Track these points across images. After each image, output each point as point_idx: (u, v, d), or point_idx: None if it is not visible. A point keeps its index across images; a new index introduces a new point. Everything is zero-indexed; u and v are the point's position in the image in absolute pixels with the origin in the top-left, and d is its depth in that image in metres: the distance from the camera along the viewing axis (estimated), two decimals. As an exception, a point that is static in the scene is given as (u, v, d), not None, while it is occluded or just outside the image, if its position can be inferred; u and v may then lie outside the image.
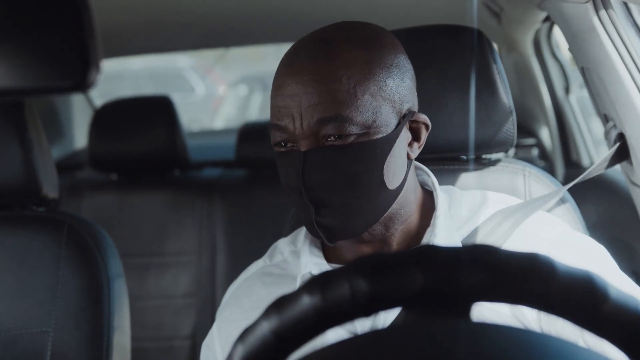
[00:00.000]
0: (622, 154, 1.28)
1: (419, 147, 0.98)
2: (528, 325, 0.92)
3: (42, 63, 0.66)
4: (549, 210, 1.12)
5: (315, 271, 0.99)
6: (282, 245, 1.11)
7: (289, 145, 0.92)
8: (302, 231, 1.07)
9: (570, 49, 1.44)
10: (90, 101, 3.38)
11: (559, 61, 2.45)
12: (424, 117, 0.97)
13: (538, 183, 1.17)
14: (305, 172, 0.90)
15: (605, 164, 1.27)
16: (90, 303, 1.24)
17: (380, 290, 0.49)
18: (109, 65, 4.88)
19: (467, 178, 1.19)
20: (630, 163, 1.28)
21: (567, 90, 2.46)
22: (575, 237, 0.98)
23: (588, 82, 1.42)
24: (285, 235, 1.15)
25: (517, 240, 0.98)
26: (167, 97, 2.49)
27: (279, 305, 0.50)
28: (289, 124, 0.90)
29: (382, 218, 0.95)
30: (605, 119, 1.38)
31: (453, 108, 1.14)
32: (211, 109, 8.83)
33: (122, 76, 7.45)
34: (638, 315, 0.47)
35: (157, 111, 2.45)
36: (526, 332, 0.49)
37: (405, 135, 0.95)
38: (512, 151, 2.22)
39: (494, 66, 1.15)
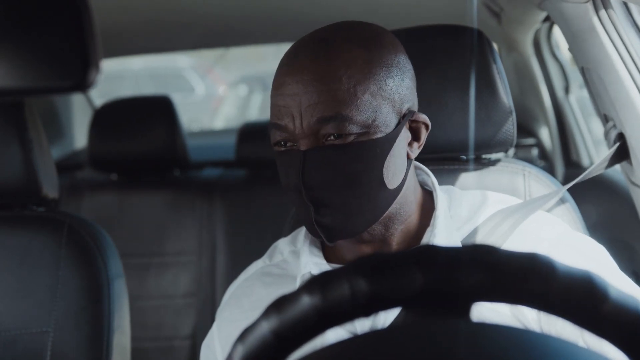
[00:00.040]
0: (622, 154, 1.28)
1: (419, 146, 0.98)
2: (528, 325, 0.92)
3: (42, 63, 0.66)
4: (549, 210, 1.12)
5: (315, 271, 0.99)
6: (282, 245, 1.11)
7: (288, 144, 0.92)
8: (302, 231, 1.07)
9: (570, 49, 1.44)
10: (90, 101, 3.37)
11: (559, 61, 2.45)
12: (423, 117, 0.97)
13: (538, 183, 1.17)
14: (305, 171, 0.90)
15: (605, 164, 1.27)
16: (90, 303, 1.24)
17: (380, 290, 0.49)
18: (109, 65, 4.88)
19: (467, 178, 1.19)
20: (630, 163, 1.28)
21: (567, 90, 2.46)
22: (575, 237, 0.98)
23: (588, 82, 1.42)
24: (285, 235, 1.15)
25: (517, 240, 0.98)
26: (167, 97, 2.49)
27: (279, 305, 0.50)
28: (289, 123, 0.90)
29: (382, 218, 0.95)
30: (605, 119, 1.38)
31: (453, 108, 1.14)
32: (211, 109, 8.83)
33: (122, 76, 7.45)
34: (638, 315, 0.47)
35: (157, 111, 2.45)
36: (526, 332, 0.49)
37: (405, 135, 0.95)
38: (512, 151, 2.22)
39: (494, 66, 1.15)
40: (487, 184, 1.17)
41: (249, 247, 2.25)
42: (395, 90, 0.92)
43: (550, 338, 0.48)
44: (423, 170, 1.05)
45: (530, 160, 2.37)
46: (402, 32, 1.13)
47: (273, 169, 1.01)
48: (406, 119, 0.94)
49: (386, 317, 0.94)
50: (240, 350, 0.50)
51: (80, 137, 3.18)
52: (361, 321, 0.94)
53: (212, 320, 1.12)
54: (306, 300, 0.49)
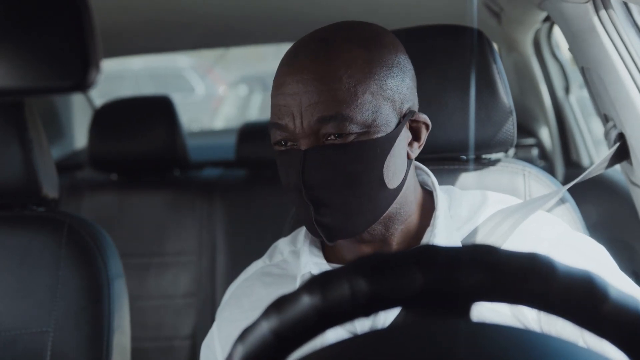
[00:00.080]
0: (622, 154, 1.28)
1: (419, 146, 0.98)
2: (528, 325, 0.92)
3: (42, 63, 0.66)
4: (549, 210, 1.12)
5: (315, 271, 0.99)
6: (282, 245, 1.11)
7: (289, 144, 0.92)
8: (302, 231, 1.07)
9: (570, 49, 1.44)
10: (90, 101, 3.38)
11: (559, 61, 2.45)
12: (424, 117, 0.97)
13: (538, 183, 1.17)
14: (305, 170, 0.90)
15: (605, 164, 1.27)
16: (90, 303, 1.24)
17: (380, 290, 0.49)
18: (109, 65, 4.89)
19: (467, 178, 1.19)
20: (630, 163, 1.28)
21: (567, 90, 2.46)
22: (575, 237, 0.98)
23: (588, 82, 1.42)
24: (285, 235, 1.15)
25: (517, 240, 0.98)
26: (167, 97, 2.49)
27: (279, 305, 0.50)
28: (289, 123, 0.90)
29: (382, 218, 0.95)
30: (605, 119, 1.38)
31: (453, 108, 1.14)
32: (211, 109, 8.83)
33: (122, 76, 7.45)
34: (638, 315, 0.47)
35: (157, 111, 2.45)
36: (526, 332, 0.49)
37: (405, 134, 0.95)
38: (512, 151, 2.22)
39: (494, 66, 1.15)
40: (487, 184, 1.17)
41: (249, 247, 2.25)
42: (396, 90, 0.92)
43: (550, 338, 0.48)
44: (423, 170, 1.05)
45: (530, 160, 2.37)
46: (402, 32, 1.13)
47: (273, 169, 1.01)
48: (406, 118, 0.94)
49: (386, 317, 0.94)
50: (240, 350, 0.50)
51: (80, 137, 3.18)
52: (361, 321, 0.94)
53: (212, 320, 1.12)
54: (306, 300, 0.49)
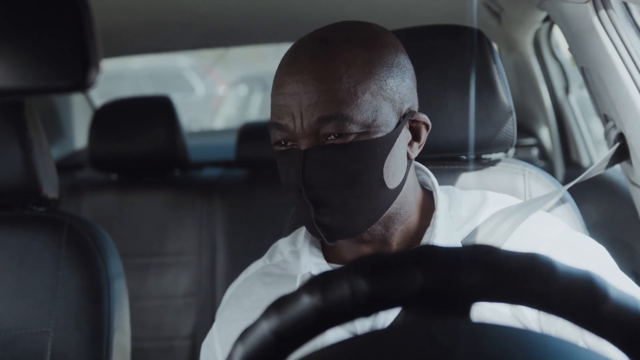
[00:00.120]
0: (622, 154, 1.28)
1: (419, 146, 0.98)
2: (528, 325, 0.92)
3: (42, 63, 0.66)
4: (549, 210, 1.12)
5: (315, 271, 0.99)
6: (282, 245, 1.11)
7: (289, 144, 0.92)
8: (302, 231, 1.07)
9: (570, 49, 1.44)
10: (90, 101, 3.38)
11: (559, 61, 2.45)
12: (424, 117, 0.97)
13: (538, 183, 1.17)
14: (305, 170, 0.90)
15: (605, 164, 1.27)
16: (90, 303, 1.24)
17: (380, 290, 0.49)
18: (109, 65, 4.88)
19: (467, 178, 1.19)
20: (630, 163, 1.28)
21: (567, 90, 2.46)
22: (575, 237, 0.98)
23: (588, 82, 1.42)
24: (285, 235, 1.15)
25: (517, 240, 0.98)
26: (167, 97, 2.49)
27: (279, 305, 0.50)
28: (289, 123, 0.90)
29: (382, 218, 0.95)
30: (605, 119, 1.38)
31: (453, 108, 1.14)
32: (211, 109, 8.83)
33: (122, 76, 7.45)
34: (638, 315, 0.47)
35: (157, 111, 2.45)
36: (526, 332, 0.49)
37: (405, 134, 0.95)
38: (512, 151, 2.22)
39: (494, 66, 1.15)
40: (487, 184, 1.17)
41: (249, 247, 2.25)
42: (396, 90, 0.92)
43: (550, 338, 0.48)
44: (423, 170, 1.05)
45: (530, 160, 2.37)
46: (402, 32, 1.13)
47: (273, 169, 1.00)
48: (406, 118, 0.94)
49: (386, 317, 0.94)
50: (240, 350, 0.50)
51: (80, 137, 3.18)
52: (361, 321, 0.94)
53: (212, 320, 1.12)
54: (306, 300, 0.49)
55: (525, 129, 2.60)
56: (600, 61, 1.26)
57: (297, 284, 1.02)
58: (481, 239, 0.98)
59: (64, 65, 0.66)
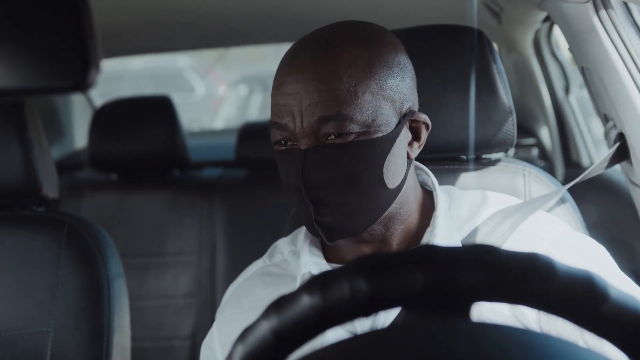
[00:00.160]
0: (622, 154, 1.28)
1: (419, 146, 0.98)
2: (528, 325, 0.92)
3: (42, 63, 0.66)
4: (549, 210, 1.12)
5: (315, 271, 0.99)
6: (282, 245, 1.11)
7: (289, 143, 0.92)
8: (302, 231, 1.07)
9: (570, 49, 1.44)
10: (90, 101, 3.38)
11: (559, 61, 2.45)
12: (424, 117, 0.97)
13: (538, 183, 1.17)
14: (305, 170, 0.90)
15: (605, 164, 1.27)
16: (90, 303, 1.24)
17: (380, 290, 0.49)
18: (109, 65, 4.88)
19: (467, 178, 1.19)
20: (630, 163, 1.28)
21: (567, 90, 2.46)
22: (575, 237, 0.98)
23: (588, 82, 1.42)
24: (285, 235, 1.15)
25: (517, 240, 0.98)
26: (167, 97, 2.49)
27: (279, 305, 0.50)
28: (290, 123, 0.90)
29: (382, 217, 0.95)
30: (605, 119, 1.38)
31: (453, 108, 1.14)
32: (211, 109, 8.83)
33: (122, 76, 7.45)
34: (638, 315, 0.47)
35: (157, 111, 2.45)
36: (526, 332, 0.49)
37: (405, 134, 0.95)
38: (512, 151, 2.22)
39: (494, 66, 1.15)
40: (487, 184, 1.17)
41: (249, 247, 2.25)
42: (396, 89, 0.93)
43: (550, 338, 0.48)
44: (423, 170, 1.05)
45: (530, 160, 2.37)
46: (402, 32, 1.13)
47: (273, 169, 1.01)
48: (406, 118, 0.94)
49: (386, 317, 0.94)
50: (240, 350, 0.50)
51: (80, 137, 3.18)
52: (361, 321, 0.94)
53: (212, 320, 1.12)
54: (306, 300, 0.49)
55: (525, 129, 2.60)
56: (600, 61, 1.26)
57: (297, 283, 1.02)
58: (481, 238, 0.98)
59: (64, 65, 0.66)
